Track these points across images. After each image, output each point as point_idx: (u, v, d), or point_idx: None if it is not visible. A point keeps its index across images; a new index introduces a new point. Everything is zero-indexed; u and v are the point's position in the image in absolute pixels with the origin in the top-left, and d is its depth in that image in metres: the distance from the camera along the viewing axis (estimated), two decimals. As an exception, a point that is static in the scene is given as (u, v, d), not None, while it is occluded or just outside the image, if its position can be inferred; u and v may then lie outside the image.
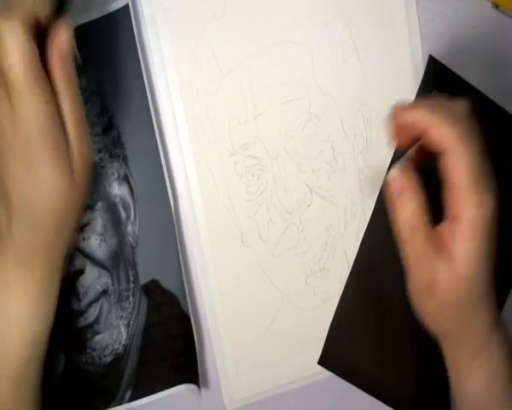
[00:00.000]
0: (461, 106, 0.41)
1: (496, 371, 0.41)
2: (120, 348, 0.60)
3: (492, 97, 0.58)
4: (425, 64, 0.57)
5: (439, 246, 0.40)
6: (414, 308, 0.45)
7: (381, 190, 0.59)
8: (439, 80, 0.57)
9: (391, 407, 0.60)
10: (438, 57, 0.58)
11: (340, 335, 0.60)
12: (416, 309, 0.44)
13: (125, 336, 0.60)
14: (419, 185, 0.41)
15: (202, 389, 0.61)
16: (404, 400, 0.60)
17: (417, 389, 0.59)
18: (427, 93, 0.57)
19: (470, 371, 0.42)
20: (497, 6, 0.57)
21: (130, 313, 0.60)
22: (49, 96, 0.37)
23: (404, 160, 0.43)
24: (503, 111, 0.58)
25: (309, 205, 0.60)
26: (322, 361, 0.60)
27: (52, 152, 0.37)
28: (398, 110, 0.43)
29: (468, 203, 0.38)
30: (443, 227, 0.41)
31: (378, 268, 0.59)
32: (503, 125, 0.58)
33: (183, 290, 0.59)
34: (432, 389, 0.59)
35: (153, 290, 0.59)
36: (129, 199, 0.59)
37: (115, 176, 0.59)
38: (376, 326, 0.59)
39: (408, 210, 0.40)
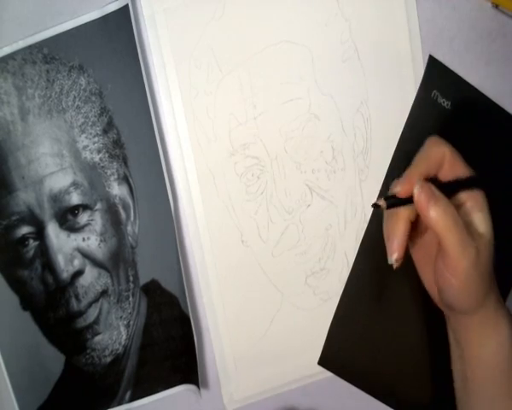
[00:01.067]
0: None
1: (504, 342, 0.47)
2: (120, 349, 0.60)
3: (492, 97, 0.58)
4: (425, 64, 0.57)
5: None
6: (433, 293, 0.50)
7: (380, 191, 0.59)
8: (439, 81, 0.57)
9: (390, 406, 0.60)
10: (438, 57, 0.58)
11: (339, 335, 0.60)
12: (451, 295, 0.47)
13: (124, 337, 0.60)
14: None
15: (202, 390, 0.61)
16: (403, 399, 0.60)
17: (416, 389, 0.59)
18: (427, 93, 0.57)
19: (482, 342, 0.47)
20: (497, 6, 0.57)
21: (130, 313, 0.60)
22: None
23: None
24: (503, 111, 0.58)
25: (309, 205, 0.60)
26: (322, 362, 0.60)
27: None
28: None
29: None
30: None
31: (377, 270, 0.59)
32: (503, 125, 0.58)
33: (183, 291, 0.59)
34: (431, 388, 0.59)
35: (152, 291, 0.59)
36: (129, 199, 0.59)
37: (115, 176, 0.59)
38: (376, 327, 0.59)
39: (443, 207, 0.44)
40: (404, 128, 0.58)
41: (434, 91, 0.57)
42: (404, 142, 0.58)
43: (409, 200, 0.45)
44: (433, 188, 0.45)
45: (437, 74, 0.57)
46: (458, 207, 0.46)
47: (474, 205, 0.46)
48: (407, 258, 0.56)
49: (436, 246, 0.46)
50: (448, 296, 0.47)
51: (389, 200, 0.46)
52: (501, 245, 0.47)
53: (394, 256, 0.46)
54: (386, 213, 0.48)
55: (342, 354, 0.60)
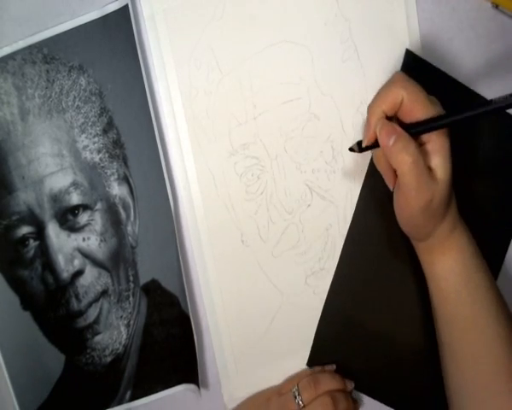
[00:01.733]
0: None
1: (463, 249, 0.50)
2: (120, 348, 0.60)
3: (492, 97, 0.58)
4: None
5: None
6: (403, 229, 0.52)
7: (362, 188, 0.59)
8: (416, 74, 0.57)
9: (380, 401, 0.60)
10: (438, 57, 0.58)
11: (326, 335, 0.60)
12: (403, 226, 0.51)
13: (125, 336, 0.60)
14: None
15: (202, 389, 0.61)
16: (392, 394, 0.60)
17: (406, 384, 0.60)
18: None
19: (444, 251, 0.50)
20: (497, 6, 0.56)
21: (130, 313, 0.60)
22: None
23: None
24: (482, 99, 0.58)
25: (309, 205, 0.60)
26: (311, 362, 0.61)
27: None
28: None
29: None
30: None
31: (363, 269, 0.60)
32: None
33: (183, 290, 0.59)
34: (421, 383, 0.59)
35: (153, 290, 0.60)
36: (129, 199, 0.59)
37: (115, 176, 0.59)
38: (363, 325, 0.60)
39: (403, 147, 0.46)
40: None
41: None
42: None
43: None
44: (395, 125, 0.47)
45: (414, 67, 0.57)
46: (420, 145, 0.47)
47: (436, 147, 0.47)
48: (393, 256, 0.58)
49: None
50: (401, 226, 0.51)
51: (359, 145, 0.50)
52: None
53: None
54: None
55: (330, 353, 0.60)
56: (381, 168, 0.51)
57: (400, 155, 0.46)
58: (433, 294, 0.52)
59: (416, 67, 0.57)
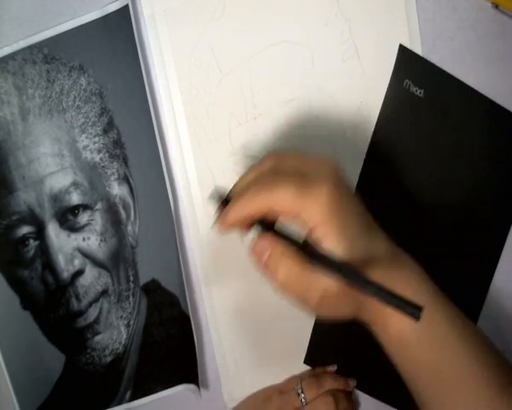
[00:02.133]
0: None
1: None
2: (120, 348, 0.60)
3: (493, 97, 0.58)
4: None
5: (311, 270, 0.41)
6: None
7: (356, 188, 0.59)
8: (410, 70, 0.57)
9: (378, 399, 0.61)
10: (437, 57, 0.58)
11: (323, 333, 0.60)
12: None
13: (125, 336, 0.60)
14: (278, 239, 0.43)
15: (202, 389, 0.61)
16: (390, 392, 0.60)
17: (400, 381, 0.60)
18: (399, 83, 0.57)
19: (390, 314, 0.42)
20: (497, 6, 0.57)
21: (130, 312, 0.60)
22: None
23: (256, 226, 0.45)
24: (478, 94, 0.58)
25: (309, 205, 0.60)
26: (308, 360, 0.61)
27: None
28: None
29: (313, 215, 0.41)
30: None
31: None
32: (478, 109, 0.58)
33: (183, 290, 0.59)
34: None
35: (153, 290, 0.59)
36: (129, 199, 0.59)
37: (115, 176, 0.59)
38: (354, 325, 0.59)
39: (277, 256, 0.42)
40: (378, 120, 0.58)
41: (406, 81, 0.57)
42: (379, 133, 0.58)
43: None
44: (269, 239, 0.42)
45: (408, 63, 0.57)
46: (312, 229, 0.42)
47: (322, 232, 0.41)
48: None
49: None
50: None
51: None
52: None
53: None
54: None
55: (327, 351, 0.60)
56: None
57: (275, 270, 0.42)
58: (398, 363, 0.47)
59: (409, 62, 0.58)
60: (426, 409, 0.46)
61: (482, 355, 0.44)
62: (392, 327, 0.43)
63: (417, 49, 0.58)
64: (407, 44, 0.58)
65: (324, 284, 0.41)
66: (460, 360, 0.43)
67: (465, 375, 0.43)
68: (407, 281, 0.43)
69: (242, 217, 0.43)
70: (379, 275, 0.40)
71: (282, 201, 0.41)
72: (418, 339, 0.43)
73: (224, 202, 0.46)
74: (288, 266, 0.42)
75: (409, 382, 0.46)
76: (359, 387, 0.60)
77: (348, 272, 0.40)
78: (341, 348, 0.60)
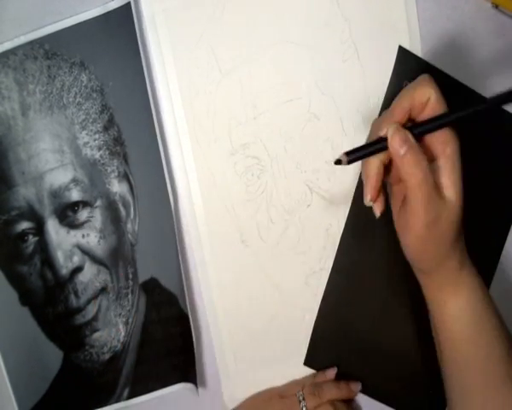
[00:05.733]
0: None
1: (474, 290, 0.47)
2: (119, 346, 0.60)
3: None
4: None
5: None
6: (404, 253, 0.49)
7: (353, 198, 0.59)
8: (409, 70, 0.57)
9: (379, 401, 0.60)
10: (437, 57, 0.58)
11: (323, 335, 0.60)
12: (409, 252, 0.48)
13: (123, 334, 0.60)
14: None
15: (200, 388, 0.61)
16: (389, 393, 0.60)
17: (402, 382, 0.60)
18: (398, 84, 0.57)
19: (455, 290, 0.47)
20: (497, 6, 0.57)
21: (129, 310, 0.60)
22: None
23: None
24: (476, 94, 0.58)
25: (309, 205, 0.60)
26: (308, 362, 0.61)
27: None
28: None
29: (446, 141, 0.45)
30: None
31: (359, 267, 0.60)
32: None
33: (182, 289, 0.59)
34: (418, 382, 0.59)
35: (152, 288, 0.59)
36: (129, 197, 0.59)
37: (115, 173, 0.59)
38: (359, 324, 0.59)
39: (415, 160, 0.43)
40: None
41: (405, 82, 0.57)
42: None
43: (376, 148, 0.45)
44: (409, 135, 0.44)
45: (407, 64, 0.58)
46: (431, 160, 0.45)
47: (448, 166, 0.45)
48: (389, 256, 0.58)
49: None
50: (407, 253, 0.48)
51: (351, 155, 0.45)
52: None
53: (368, 198, 0.46)
54: (363, 160, 0.47)
55: (327, 353, 0.60)
56: (370, 177, 0.47)
57: (411, 169, 0.43)
58: (439, 332, 0.50)
59: (408, 64, 0.58)
60: (459, 396, 0.50)
61: None
62: (460, 299, 0.47)
63: (417, 49, 0.58)
64: (407, 44, 0.58)
65: (444, 211, 0.44)
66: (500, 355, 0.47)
67: (502, 360, 0.47)
68: (471, 278, 0.48)
69: (404, 111, 0.45)
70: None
71: (426, 95, 0.44)
72: (477, 322, 0.47)
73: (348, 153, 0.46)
74: (426, 168, 0.43)
75: (447, 364, 0.50)
76: (361, 389, 0.60)
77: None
78: (341, 350, 0.60)
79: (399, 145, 0.43)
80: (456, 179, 0.44)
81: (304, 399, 0.56)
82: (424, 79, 0.46)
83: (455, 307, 0.48)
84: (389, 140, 0.44)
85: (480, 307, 0.48)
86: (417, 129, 0.45)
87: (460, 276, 0.47)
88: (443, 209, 0.44)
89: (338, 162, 0.45)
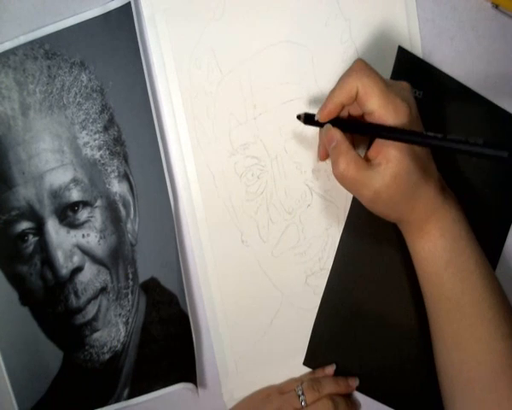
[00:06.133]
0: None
1: (443, 233, 0.49)
2: (119, 346, 0.60)
3: (492, 98, 0.58)
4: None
5: (370, 165, 0.48)
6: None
7: (352, 204, 0.59)
8: (409, 71, 0.57)
9: (378, 400, 0.60)
10: (437, 57, 0.58)
11: (322, 335, 0.60)
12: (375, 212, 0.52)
13: (123, 334, 0.60)
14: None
15: (200, 388, 0.61)
16: (389, 392, 0.60)
17: (402, 382, 0.59)
18: None
19: (422, 235, 0.50)
20: (497, 6, 0.57)
21: (129, 310, 0.60)
22: None
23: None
24: (476, 95, 0.58)
25: (309, 205, 0.60)
26: (307, 362, 0.61)
27: None
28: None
29: (387, 115, 0.47)
30: (373, 146, 0.49)
31: (358, 267, 0.59)
32: (477, 109, 0.58)
33: (182, 289, 0.59)
34: (417, 381, 0.59)
35: (152, 288, 0.59)
36: (129, 197, 0.59)
37: (115, 173, 0.59)
38: (358, 324, 0.59)
39: (340, 152, 0.48)
40: None
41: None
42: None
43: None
44: (337, 132, 0.49)
45: (407, 65, 0.58)
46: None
47: (382, 158, 0.48)
48: (389, 254, 0.58)
49: None
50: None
51: (307, 117, 0.52)
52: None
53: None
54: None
55: (326, 353, 0.60)
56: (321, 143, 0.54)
57: (336, 160, 0.48)
58: (417, 274, 0.53)
59: (408, 64, 0.58)
60: (444, 347, 0.51)
61: (501, 300, 0.50)
62: (426, 243, 0.50)
63: (417, 49, 0.58)
64: (407, 44, 0.58)
65: (377, 184, 0.47)
66: (480, 299, 0.49)
67: (483, 313, 0.49)
68: (450, 210, 0.50)
69: (335, 105, 0.49)
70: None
71: (353, 90, 0.48)
72: (446, 263, 0.49)
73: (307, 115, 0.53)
74: (347, 160, 0.48)
75: (430, 313, 0.52)
76: (359, 388, 0.60)
77: (419, 134, 0.45)
78: (341, 350, 0.60)
79: (328, 142, 0.50)
80: (398, 152, 0.47)
81: (303, 393, 0.56)
82: (352, 69, 0.49)
83: (422, 249, 0.51)
84: (323, 136, 0.51)
85: (448, 249, 0.49)
86: (349, 126, 0.50)
87: (428, 222, 0.50)
88: (376, 180, 0.47)
89: (298, 117, 0.53)
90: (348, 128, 0.50)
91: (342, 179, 0.49)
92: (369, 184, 0.47)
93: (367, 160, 0.49)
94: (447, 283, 0.49)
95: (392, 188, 0.47)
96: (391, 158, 0.47)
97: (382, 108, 0.47)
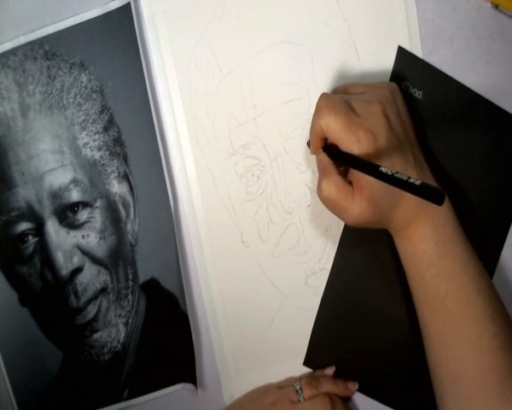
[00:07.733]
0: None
1: (423, 238, 0.50)
2: (119, 347, 0.60)
3: (493, 98, 0.58)
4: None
5: (351, 190, 0.50)
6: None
7: None
8: (409, 71, 0.57)
9: (378, 401, 0.60)
10: (437, 57, 0.58)
11: (322, 335, 0.60)
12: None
13: (123, 335, 0.60)
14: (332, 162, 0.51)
15: (200, 389, 0.61)
16: (389, 393, 0.60)
17: (401, 382, 0.60)
18: (398, 84, 0.57)
19: (404, 240, 0.52)
20: (497, 6, 0.57)
21: (129, 311, 0.60)
22: None
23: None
24: (477, 96, 0.58)
25: (309, 205, 0.60)
26: (307, 362, 0.61)
27: None
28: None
29: (351, 146, 0.49)
30: (350, 171, 0.51)
31: (357, 268, 0.60)
32: (477, 110, 0.58)
33: (182, 290, 0.59)
34: (416, 380, 0.59)
35: (152, 289, 0.59)
36: (129, 197, 0.59)
37: (115, 174, 0.59)
38: (358, 324, 0.60)
39: (324, 177, 0.50)
40: None
41: (405, 82, 0.57)
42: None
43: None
44: (323, 158, 0.52)
45: (407, 65, 0.58)
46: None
47: (357, 184, 0.50)
48: (388, 255, 0.59)
49: None
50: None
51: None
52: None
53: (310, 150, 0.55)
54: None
55: (326, 353, 0.60)
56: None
57: (320, 182, 0.50)
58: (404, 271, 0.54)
59: (408, 64, 0.58)
60: (432, 346, 0.52)
61: (490, 300, 0.50)
62: (408, 247, 0.51)
63: (417, 49, 0.58)
64: (407, 45, 0.58)
65: (355, 211, 0.49)
66: (466, 299, 0.49)
67: (469, 312, 0.49)
68: (433, 216, 0.50)
69: (314, 140, 0.52)
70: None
71: (319, 128, 0.50)
72: (428, 265, 0.50)
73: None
74: (329, 183, 0.50)
75: (417, 312, 0.53)
76: (358, 389, 0.60)
77: (371, 166, 0.45)
78: (340, 350, 0.60)
79: (317, 165, 0.53)
80: (363, 192, 0.49)
81: (301, 388, 0.57)
82: (316, 109, 0.51)
83: (405, 252, 0.52)
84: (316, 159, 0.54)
85: (428, 252, 0.50)
86: (331, 153, 0.52)
87: (408, 228, 0.51)
88: (355, 206, 0.49)
89: (308, 144, 0.56)
90: (331, 154, 0.52)
91: (324, 201, 0.51)
92: (349, 210, 0.50)
93: (350, 183, 0.51)
94: (430, 283, 0.50)
95: (369, 211, 0.49)
96: (363, 184, 0.49)
97: (345, 142, 0.49)
